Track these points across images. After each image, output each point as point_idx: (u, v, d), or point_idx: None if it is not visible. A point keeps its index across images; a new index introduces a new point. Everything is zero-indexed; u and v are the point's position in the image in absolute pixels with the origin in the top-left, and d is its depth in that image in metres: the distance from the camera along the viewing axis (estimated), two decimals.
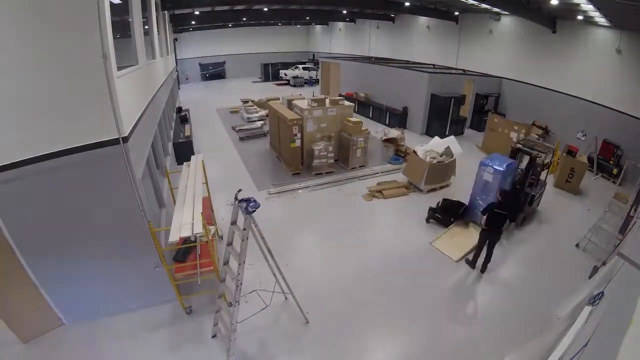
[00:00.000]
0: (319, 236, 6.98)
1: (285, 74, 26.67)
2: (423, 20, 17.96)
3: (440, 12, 15.46)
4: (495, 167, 6.60)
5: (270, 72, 28.31)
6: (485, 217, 5.74)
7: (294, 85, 25.73)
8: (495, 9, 12.87)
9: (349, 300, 5.24)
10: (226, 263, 4.04)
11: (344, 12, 20.83)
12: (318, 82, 23.57)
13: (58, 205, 3.84)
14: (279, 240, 6.02)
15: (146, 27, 8.52)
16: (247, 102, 17.47)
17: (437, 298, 5.35)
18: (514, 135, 10.73)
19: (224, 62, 29.73)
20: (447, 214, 7.13)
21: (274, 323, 4.83)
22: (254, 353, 4.39)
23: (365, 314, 5.01)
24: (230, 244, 3.95)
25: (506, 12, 13.07)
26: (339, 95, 18.88)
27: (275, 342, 4.54)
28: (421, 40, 18.64)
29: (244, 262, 3.62)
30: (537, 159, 6.62)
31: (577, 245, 6.59)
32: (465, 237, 6.72)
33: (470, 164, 8.81)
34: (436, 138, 9.37)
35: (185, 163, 6.19)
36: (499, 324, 4.85)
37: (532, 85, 12.91)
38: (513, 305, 5.20)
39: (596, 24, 10.37)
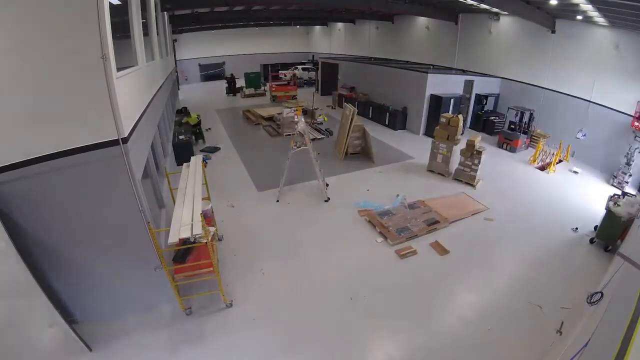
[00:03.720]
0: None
1: (285, 75, 26.64)
2: (422, 20, 17.98)
3: (440, 12, 15.47)
4: None
5: (270, 72, 28.30)
6: None
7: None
8: (495, 9, 12.89)
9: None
10: None
11: (343, 12, 20.85)
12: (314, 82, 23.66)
13: (57, 206, 3.84)
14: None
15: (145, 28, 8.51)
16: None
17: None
18: None
19: (223, 63, 29.72)
20: None
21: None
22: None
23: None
24: None
25: (505, 12, 13.08)
26: (339, 95, 18.99)
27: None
28: (420, 41, 18.64)
29: None
30: None
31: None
32: None
33: None
34: None
35: (184, 164, 6.20)
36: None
37: (532, 85, 12.91)
38: None
39: (596, 24, 10.38)
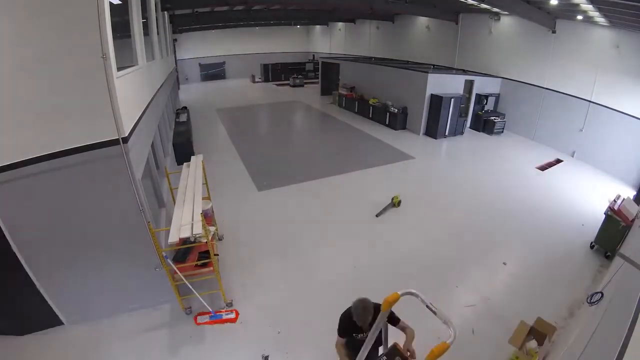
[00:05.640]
0: None
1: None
2: (423, 20, 17.96)
3: (440, 12, 15.46)
4: None
5: (270, 72, 28.35)
6: None
7: (293, 86, 25.83)
8: (495, 9, 12.87)
9: None
10: None
11: (344, 12, 20.83)
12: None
13: (57, 206, 3.84)
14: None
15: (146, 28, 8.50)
16: None
17: None
18: None
19: (223, 63, 29.72)
20: None
21: None
22: None
23: None
24: None
25: (506, 12, 13.07)
26: (339, 95, 18.98)
27: None
28: (421, 41, 18.63)
29: None
30: None
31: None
32: None
33: None
34: None
35: (185, 163, 6.19)
36: None
37: (532, 85, 12.91)
38: None
39: (596, 24, 10.37)
